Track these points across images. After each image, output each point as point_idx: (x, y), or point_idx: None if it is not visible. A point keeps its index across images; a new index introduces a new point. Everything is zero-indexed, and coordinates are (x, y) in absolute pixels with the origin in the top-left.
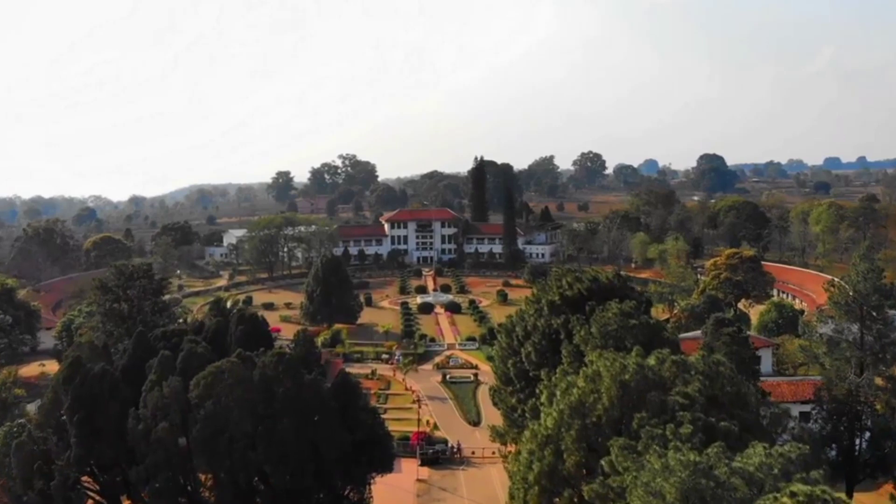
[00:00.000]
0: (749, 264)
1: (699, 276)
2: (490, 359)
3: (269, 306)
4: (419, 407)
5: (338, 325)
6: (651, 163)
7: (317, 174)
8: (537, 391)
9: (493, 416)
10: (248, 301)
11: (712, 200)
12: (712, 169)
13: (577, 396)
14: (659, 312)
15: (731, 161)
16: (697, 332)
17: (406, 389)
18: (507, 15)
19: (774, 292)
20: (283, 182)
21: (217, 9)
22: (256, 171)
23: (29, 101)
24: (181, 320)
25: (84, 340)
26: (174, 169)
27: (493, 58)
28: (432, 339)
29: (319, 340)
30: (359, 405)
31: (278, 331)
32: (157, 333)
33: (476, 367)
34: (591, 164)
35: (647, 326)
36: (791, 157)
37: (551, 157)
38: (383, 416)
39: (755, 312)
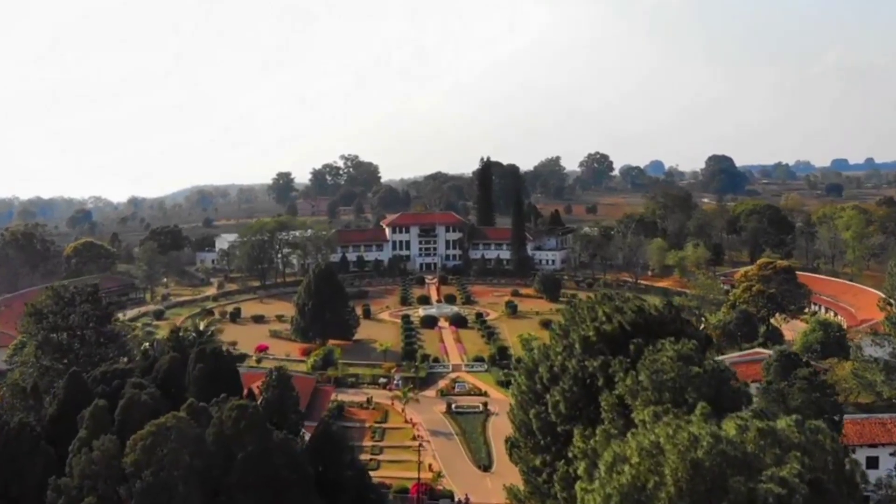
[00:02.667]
0: (783, 275)
1: (724, 286)
2: (501, 384)
3: (259, 319)
4: (420, 445)
5: (332, 342)
6: (657, 164)
7: (318, 175)
8: (570, 454)
9: (506, 458)
10: (237, 313)
11: (731, 203)
12: (722, 170)
13: (629, 477)
14: None
15: (738, 162)
16: (734, 355)
17: (406, 422)
18: (512, 15)
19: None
20: (283, 183)
21: (219, 8)
22: (259, 172)
23: (30, 100)
24: (146, 345)
25: (10, 380)
26: (176, 170)
27: (496, 58)
28: (436, 360)
29: (310, 362)
30: (344, 462)
31: (266, 348)
32: (96, 374)
33: (485, 394)
34: (597, 165)
35: (713, 376)
36: (798, 158)
37: (557, 158)
38: (379, 456)
39: (789, 328)
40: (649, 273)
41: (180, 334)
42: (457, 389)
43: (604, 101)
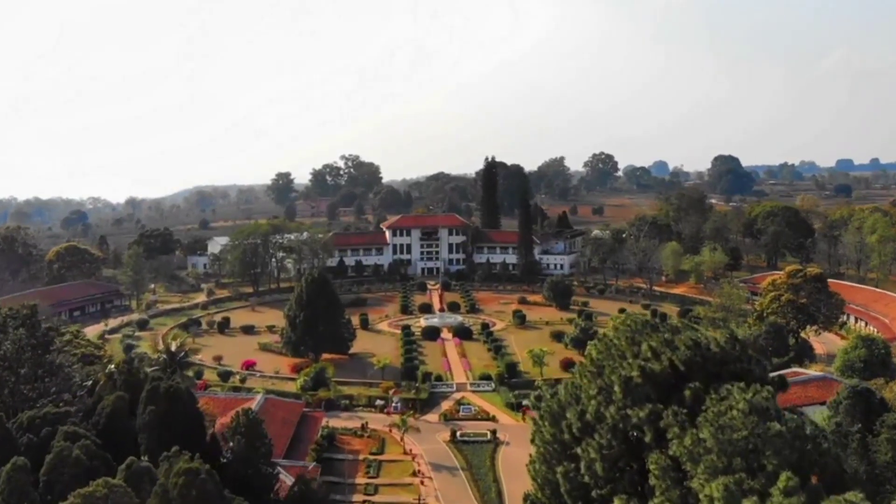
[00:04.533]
0: (814, 284)
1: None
2: (510, 407)
3: (249, 329)
4: (421, 483)
5: (325, 356)
6: (661, 164)
7: (318, 175)
8: None
9: (519, 499)
10: (225, 322)
11: (741, 204)
12: (729, 171)
13: None
14: None
15: (742, 163)
16: (770, 376)
17: (405, 454)
18: (516, 15)
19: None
20: (283, 184)
21: (221, 9)
22: (261, 173)
23: (30, 100)
24: (111, 367)
25: None
26: (177, 170)
27: (500, 59)
28: (438, 378)
29: (299, 381)
30: None
31: (253, 364)
32: (23, 420)
33: (493, 419)
34: (602, 165)
35: (796, 434)
36: (802, 158)
37: (562, 159)
38: (373, 497)
39: (819, 341)
40: (663, 278)
41: (134, 364)
42: (462, 413)
43: (606, 102)
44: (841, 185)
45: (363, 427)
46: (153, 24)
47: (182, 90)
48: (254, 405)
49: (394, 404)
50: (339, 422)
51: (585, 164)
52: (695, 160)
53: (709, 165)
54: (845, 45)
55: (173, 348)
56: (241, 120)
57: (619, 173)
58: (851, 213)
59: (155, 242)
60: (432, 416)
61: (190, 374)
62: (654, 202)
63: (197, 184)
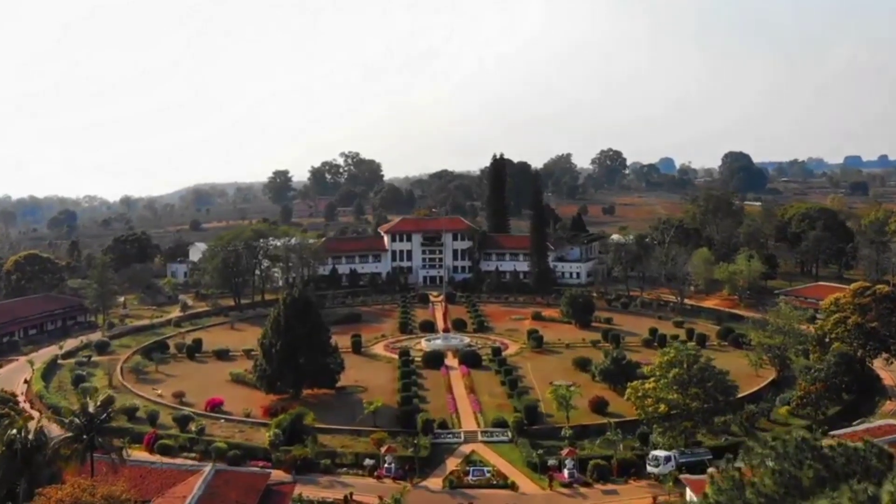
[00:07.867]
0: (885, 304)
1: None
2: (532, 467)
3: (223, 354)
4: None
5: (307, 392)
6: (667, 161)
7: (317, 173)
8: None
9: None
10: (196, 346)
11: (756, 203)
12: (741, 168)
13: None
14: (751, 378)
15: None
16: (858, 429)
17: None
18: (514, 12)
19: None
20: (280, 182)
21: (221, 10)
22: (261, 170)
23: (30, 97)
24: (12, 432)
25: None
26: (177, 168)
27: (500, 53)
28: (442, 424)
29: (269, 435)
30: None
31: (219, 403)
32: None
33: (512, 486)
34: (610, 162)
35: None
36: (810, 155)
37: (569, 156)
38: None
39: (887, 371)
40: (692, 289)
41: (15, 444)
42: (472, 477)
43: (607, 98)
44: (856, 182)
45: (346, 500)
46: (153, 23)
47: (183, 88)
48: (197, 485)
49: (387, 465)
50: (315, 490)
51: (593, 162)
52: (700, 157)
53: (719, 162)
54: (853, 40)
55: (91, 408)
56: (242, 118)
57: (627, 170)
58: (888, 214)
59: (130, 248)
60: (435, 481)
61: (143, 412)
62: (667, 201)
63: (197, 182)
